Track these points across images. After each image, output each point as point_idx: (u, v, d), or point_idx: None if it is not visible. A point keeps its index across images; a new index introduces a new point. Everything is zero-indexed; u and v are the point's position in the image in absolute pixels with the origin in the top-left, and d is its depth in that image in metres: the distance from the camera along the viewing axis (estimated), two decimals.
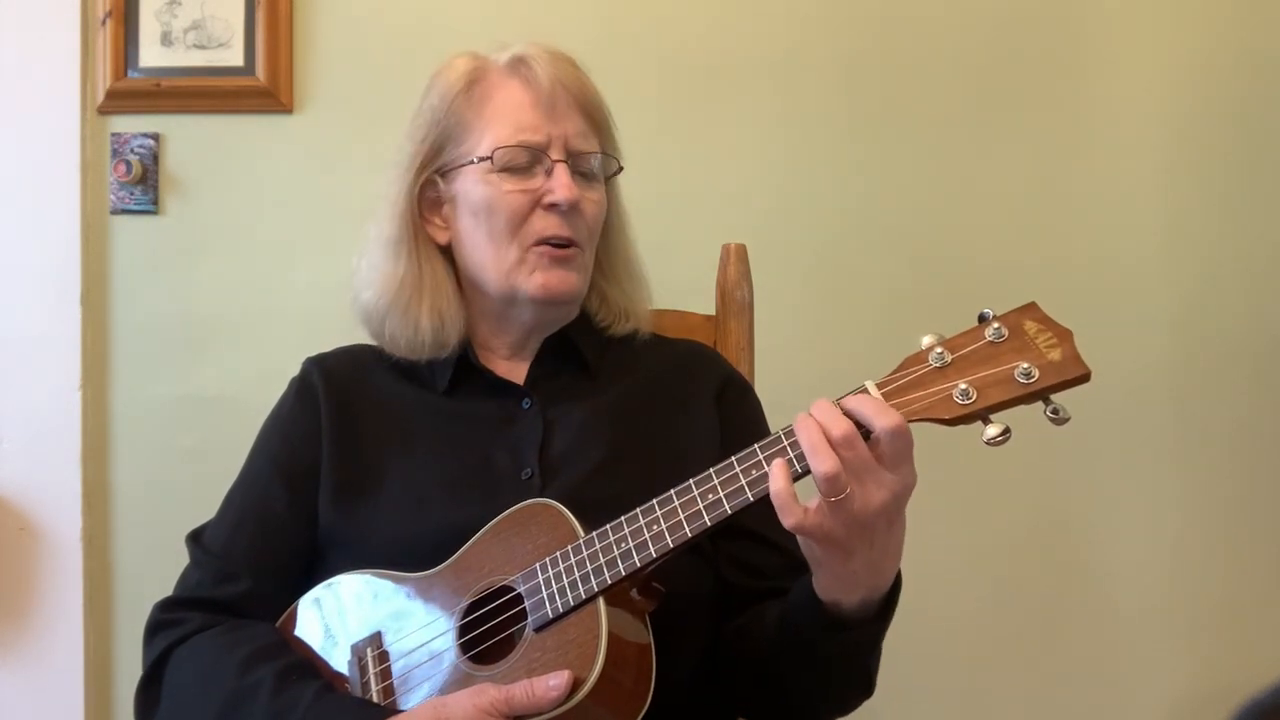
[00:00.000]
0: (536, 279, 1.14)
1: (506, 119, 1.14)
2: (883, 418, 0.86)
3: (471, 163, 1.15)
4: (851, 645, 0.98)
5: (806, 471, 0.88)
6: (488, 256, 1.16)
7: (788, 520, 0.88)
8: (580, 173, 1.16)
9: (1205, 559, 1.82)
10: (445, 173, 1.18)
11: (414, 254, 1.19)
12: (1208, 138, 1.82)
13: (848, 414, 0.88)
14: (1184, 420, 1.83)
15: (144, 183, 1.87)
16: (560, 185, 1.12)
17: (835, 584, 0.93)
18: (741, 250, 1.47)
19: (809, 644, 0.98)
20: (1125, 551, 1.83)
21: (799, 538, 0.91)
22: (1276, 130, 1.81)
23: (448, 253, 1.21)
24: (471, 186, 1.16)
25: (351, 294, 1.23)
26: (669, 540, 0.93)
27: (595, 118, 1.18)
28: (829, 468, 0.85)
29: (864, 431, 0.88)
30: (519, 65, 1.16)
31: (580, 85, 1.17)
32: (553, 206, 1.13)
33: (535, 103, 1.14)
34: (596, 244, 1.21)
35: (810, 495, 0.88)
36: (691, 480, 0.94)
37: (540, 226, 1.13)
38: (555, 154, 1.14)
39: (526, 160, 1.14)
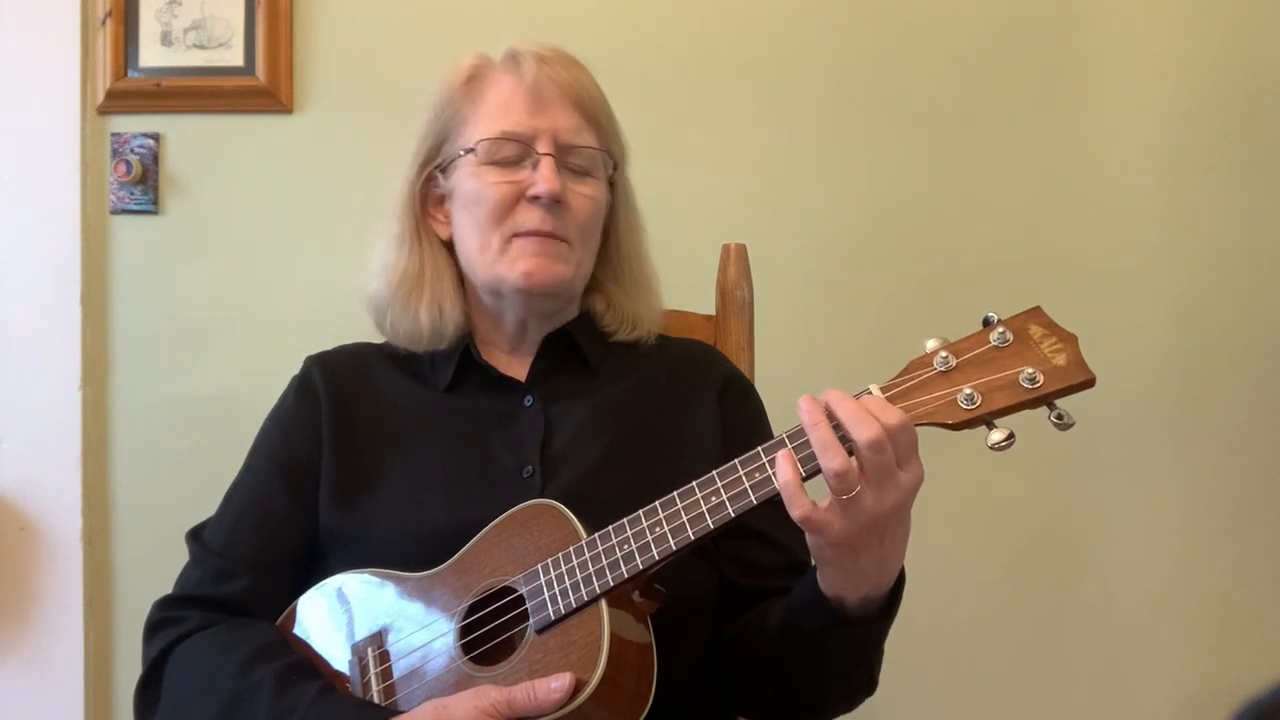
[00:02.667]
0: (519, 266, 1.13)
1: (495, 113, 1.16)
2: (886, 415, 0.86)
3: (463, 155, 1.17)
4: (855, 641, 0.97)
5: (815, 472, 0.87)
6: (475, 247, 1.17)
7: (795, 511, 0.86)
8: (571, 168, 1.16)
9: (1207, 560, 1.82)
10: (445, 168, 1.20)
11: (416, 248, 1.21)
12: (1209, 139, 1.82)
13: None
14: (1186, 421, 1.82)
15: (144, 183, 1.87)
16: (542, 178, 1.12)
17: (841, 580, 0.93)
18: (741, 250, 1.47)
19: (812, 640, 0.98)
20: (1127, 552, 1.83)
21: (806, 535, 0.90)
22: (1277, 131, 1.81)
23: (451, 248, 1.22)
24: (463, 179, 1.17)
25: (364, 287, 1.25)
26: (671, 542, 0.93)
27: (591, 114, 1.18)
28: (839, 465, 0.85)
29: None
30: (512, 61, 1.17)
31: (575, 81, 1.17)
32: (535, 199, 1.13)
33: (523, 96, 1.15)
34: (595, 242, 1.20)
35: (822, 495, 0.87)
36: (694, 482, 0.94)
37: (523, 219, 1.14)
38: (542, 147, 1.14)
39: (514, 153, 1.14)
